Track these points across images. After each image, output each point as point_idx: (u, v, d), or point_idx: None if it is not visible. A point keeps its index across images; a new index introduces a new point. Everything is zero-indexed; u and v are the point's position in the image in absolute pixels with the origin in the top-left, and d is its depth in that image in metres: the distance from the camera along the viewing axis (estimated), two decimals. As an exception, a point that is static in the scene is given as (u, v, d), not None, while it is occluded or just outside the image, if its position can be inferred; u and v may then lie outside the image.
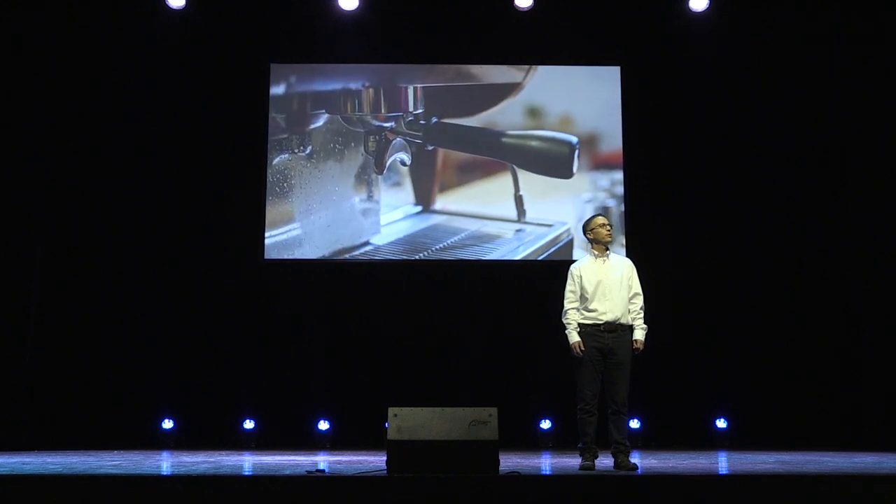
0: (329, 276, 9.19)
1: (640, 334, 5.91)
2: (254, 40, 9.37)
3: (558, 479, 5.26)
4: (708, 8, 9.19)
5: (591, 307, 5.89)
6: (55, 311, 8.81)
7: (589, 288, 5.90)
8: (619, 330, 5.86)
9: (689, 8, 9.21)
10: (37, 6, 8.86)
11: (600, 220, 6.05)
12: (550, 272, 8.84)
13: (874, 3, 9.07)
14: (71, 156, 9.07)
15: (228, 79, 9.32)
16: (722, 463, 6.54)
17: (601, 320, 5.85)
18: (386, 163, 9.29)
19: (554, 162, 9.30)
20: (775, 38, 9.36)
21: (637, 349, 5.90)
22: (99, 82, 9.21)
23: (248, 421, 8.87)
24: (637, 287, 5.99)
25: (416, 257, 9.13)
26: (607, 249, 6.02)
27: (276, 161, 9.28)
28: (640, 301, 5.97)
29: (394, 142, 9.32)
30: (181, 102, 9.22)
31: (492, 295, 9.17)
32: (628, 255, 9.07)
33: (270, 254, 9.14)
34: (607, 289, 5.88)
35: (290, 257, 9.15)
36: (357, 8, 9.14)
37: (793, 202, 9.24)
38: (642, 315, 5.95)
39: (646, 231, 9.17)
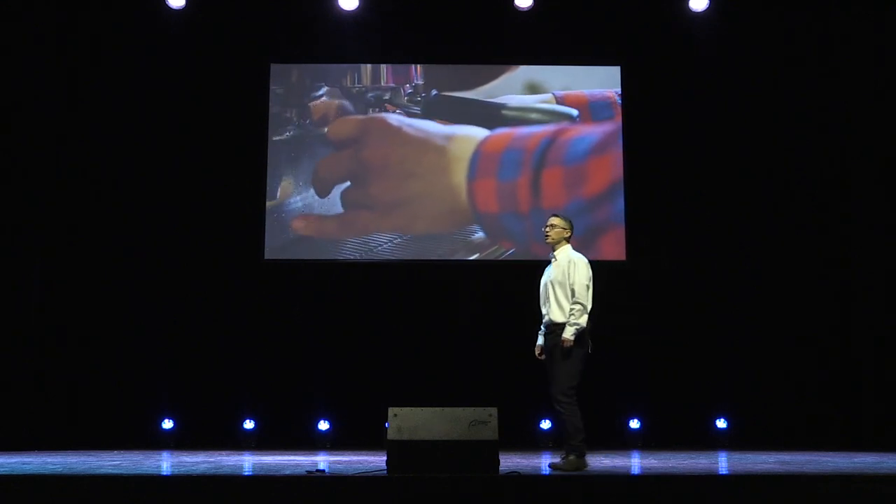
0: (329, 276, 9.19)
1: (565, 332, 5.75)
2: (254, 40, 9.37)
3: (558, 479, 5.26)
4: (708, 8, 9.19)
5: (542, 309, 6.00)
6: (55, 311, 8.82)
7: (541, 290, 6.01)
8: (557, 331, 5.80)
9: (689, 8, 9.22)
10: (37, 6, 8.86)
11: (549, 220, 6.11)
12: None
13: (874, 3, 9.07)
14: (71, 155, 9.07)
15: (228, 79, 9.32)
16: (722, 463, 6.54)
17: (544, 321, 5.95)
18: None
19: None
20: (775, 38, 9.36)
21: (563, 346, 5.74)
22: (99, 82, 9.21)
23: (248, 421, 8.87)
24: (573, 283, 5.81)
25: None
26: (554, 249, 6.02)
27: (275, 135, 9.32)
28: (576, 295, 5.78)
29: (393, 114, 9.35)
30: (181, 102, 9.22)
31: (492, 295, 9.17)
32: (628, 255, 9.13)
33: (271, 239, 9.16)
34: (548, 290, 5.93)
35: (292, 257, 9.18)
36: (357, 8, 9.14)
37: (794, 202, 9.24)
38: (573, 312, 5.75)
39: (646, 231, 9.18)
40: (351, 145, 9.29)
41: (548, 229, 6.05)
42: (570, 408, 5.74)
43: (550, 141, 9.24)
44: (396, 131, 9.28)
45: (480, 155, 9.23)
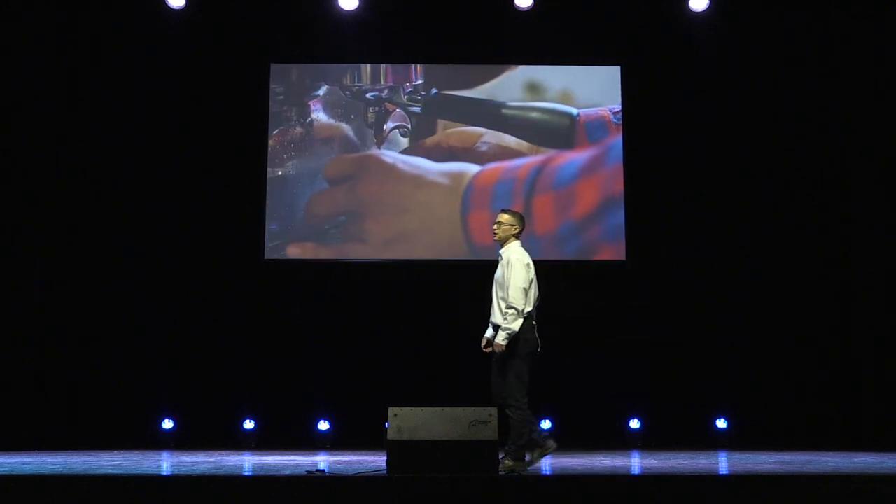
0: (329, 276, 9.19)
1: (498, 337, 5.66)
2: (254, 40, 9.36)
3: (558, 479, 5.26)
4: (708, 8, 9.19)
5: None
6: (55, 310, 8.81)
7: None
8: (497, 330, 5.74)
9: (689, 8, 9.22)
10: (37, 6, 8.86)
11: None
12: (551, 272, 8.85)
13: (874, 3, 9.07)
14: (71, 155, 9.07)
15: (228, 79, 9.32)
16: (722, 463, 6.54)
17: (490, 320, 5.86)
18: (385, 135, 9.32)
19: (554, 133, 9.35)
20: (775, 38, 9.36)
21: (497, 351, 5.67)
22: (99, 82, 9.21)
23: (248, 421, 8.87)
24: (509, 282, 5.66)
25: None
26: (502, 246, 5.88)
27: (275, 132, 9.32)
28: (508, 299, 5.64)
29: (393, 113, 9.35)
30: (181, 102, 9.21)
31: (491, 295, 9.15)
32: (629, 256, 9.14)
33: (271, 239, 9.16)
34: (493, 290, 5.84)
35: (290, 257, 9.18)
36: (357, 8, 9.14)
37: (793, 202, 9.24)
38: (506, 317, 5.63)
39: (646, 231, 9.18)
40: (346, 181, 9.29)
41: (495, 226, 5.88)
42: (518, 413, 5.65)
43: (540, 169, 9.27)
44: (390, 168, 9.29)
45: (473, 189, 9.24)
